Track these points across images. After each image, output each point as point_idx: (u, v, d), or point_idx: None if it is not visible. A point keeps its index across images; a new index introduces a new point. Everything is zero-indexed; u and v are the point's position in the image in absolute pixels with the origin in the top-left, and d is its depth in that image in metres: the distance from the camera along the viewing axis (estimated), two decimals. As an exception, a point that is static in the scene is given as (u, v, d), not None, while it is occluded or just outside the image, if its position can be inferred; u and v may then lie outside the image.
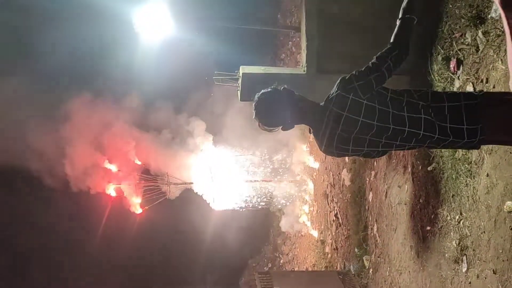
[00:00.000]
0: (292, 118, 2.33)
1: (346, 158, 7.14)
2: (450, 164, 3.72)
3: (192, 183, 9.29)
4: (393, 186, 5.10)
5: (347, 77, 2.26)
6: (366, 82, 2.21)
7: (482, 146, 3.28)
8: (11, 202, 10.45)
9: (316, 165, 9.10)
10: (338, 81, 2.29)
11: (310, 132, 2.46)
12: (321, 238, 8.56)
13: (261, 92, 2.38)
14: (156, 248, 11.76)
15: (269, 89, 2.38)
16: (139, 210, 9.93)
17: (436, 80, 3.92)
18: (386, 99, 2.22)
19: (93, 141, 9.16)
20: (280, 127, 2.37)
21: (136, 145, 9.28)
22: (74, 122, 9.13)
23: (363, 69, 2.26)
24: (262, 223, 10.68)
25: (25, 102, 9.10)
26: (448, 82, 3.75)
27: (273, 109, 2.33)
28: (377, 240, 5.55)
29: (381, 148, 2.31)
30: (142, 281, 11.80)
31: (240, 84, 4.64)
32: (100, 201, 9.85)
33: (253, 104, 2.36)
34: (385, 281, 5.12)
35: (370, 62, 2.27)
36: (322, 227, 8.56)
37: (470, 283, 3.33)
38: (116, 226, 10.67)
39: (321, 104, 2.33)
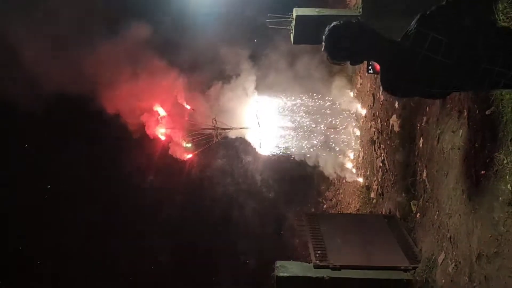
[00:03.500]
0: (362, 53, 2.31)
1: (396, 103, 7.04)
2: (510, 107, 3.63)
3: (239, 127, 9.46)
4: (446, 132, 5.03)
5: (427, 13, 2.19)
6: (447, 18, 2.14)
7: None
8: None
9: (363, 111, 9.03)
10: (418, 17, 2.21)
11: (368, 71, 2.46)
12: (366, 184, 8.64)
13: (332, 25, 2.33)
14: (201, 190, 12.08)
15: (341, 22, 2.33)
16: (188, 155, 10.26)
17: (500, 20, 3.75)
18: (464, 37, 2.15)
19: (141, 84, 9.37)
20: (348, 61, 2.36)
21: (183, 88, 9.45)
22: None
23: (443, 4, 2.18)
24: (307, 169, 10.83)
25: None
26: (514, 21, 3.59)
27: (344, 43, 2.30)
28: (426, 185, 5.56)
29: (451, 89, 2.28)
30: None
31: (293, 27, 4.59)
32: (150, 145, 10.22)
33: (324, 36, 2.34)
34: (433, 224, 5.17)
35: None
36: (368, 173, 8.62)
37: (524, 225, 3.34)
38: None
39: (396, 40, 2.28)
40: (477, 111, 4.22)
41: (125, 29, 9.05)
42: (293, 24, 4.55)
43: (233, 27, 9.50)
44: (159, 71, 9.30)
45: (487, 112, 3.99)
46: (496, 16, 3.87)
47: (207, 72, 9.59)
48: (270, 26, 5.62)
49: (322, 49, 2.36)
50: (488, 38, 2.14)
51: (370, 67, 5.01)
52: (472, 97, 4.37)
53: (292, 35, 4.63)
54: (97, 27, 9.07)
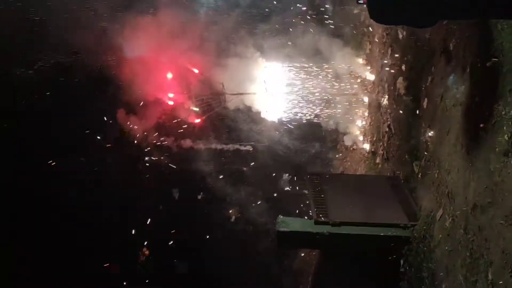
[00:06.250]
0: None
1: (403, 66, 6.98)
2: (510, 56, 3.60)
3: (247, 93, 9.47)
4: (449, 89, 5.01)
5: None
6: None
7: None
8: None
9: (371, 77, 8.97)
10: None
11: (358, 2, 2.45)
12: (373, 150, 8.65)
13: None
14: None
15: None
16: (197, 120, 10.32)
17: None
18: None
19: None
20: None
21: (192, 52, 9.43)
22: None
23: None
24: (313, 135, 10.88)
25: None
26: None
27: None
28: (428, 145, 5.57)
29: (438, 15, 2.26)
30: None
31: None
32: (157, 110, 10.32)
33: None
34: (433, 182, 5.20)
35: None
36: (374, 139, 8.61)
37: (518, 173, 3.36)
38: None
39: None
40: (479, 64, 4.18)
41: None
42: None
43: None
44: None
45: (488, 64, 3.95)
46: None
47: (213, 36, 9.54)
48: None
49: None
50: None
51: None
52: (475, 51, 4.33)
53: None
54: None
